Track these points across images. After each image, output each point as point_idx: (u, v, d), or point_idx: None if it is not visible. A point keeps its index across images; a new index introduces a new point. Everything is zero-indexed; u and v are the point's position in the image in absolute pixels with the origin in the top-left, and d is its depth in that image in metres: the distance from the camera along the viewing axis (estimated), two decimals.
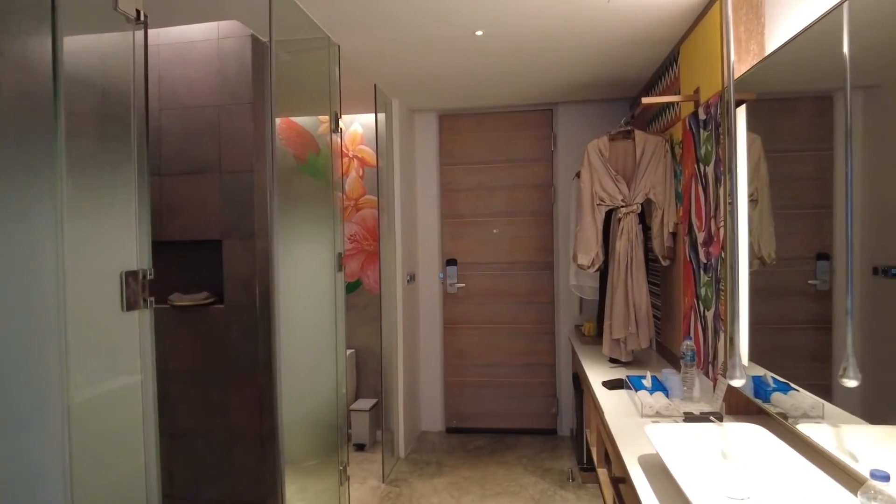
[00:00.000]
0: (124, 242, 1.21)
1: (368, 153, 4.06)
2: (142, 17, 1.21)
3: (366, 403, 3.92)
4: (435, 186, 4.11)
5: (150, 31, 2.52)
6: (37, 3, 1.02)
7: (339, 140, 2.66)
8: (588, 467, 3.23)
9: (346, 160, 4.11)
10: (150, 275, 1.26)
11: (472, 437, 4.09)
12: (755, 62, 1.73)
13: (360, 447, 3.88)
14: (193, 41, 2.43)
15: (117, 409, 1.27)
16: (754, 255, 1.81)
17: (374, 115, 3.67)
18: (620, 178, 2.63)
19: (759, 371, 1.78)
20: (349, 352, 4.07)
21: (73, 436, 1.09)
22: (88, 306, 1.17)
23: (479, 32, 2.46)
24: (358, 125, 4.09)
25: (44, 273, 1.04)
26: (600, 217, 2.70)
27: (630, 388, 2.26)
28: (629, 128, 2.66)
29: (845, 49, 1.26)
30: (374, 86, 3.12)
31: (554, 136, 3.98)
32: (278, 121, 3.84)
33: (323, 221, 2.61)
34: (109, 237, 1.21)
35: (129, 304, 1.20)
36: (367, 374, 4.16)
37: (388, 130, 3.57)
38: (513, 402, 4.11)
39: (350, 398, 4.06)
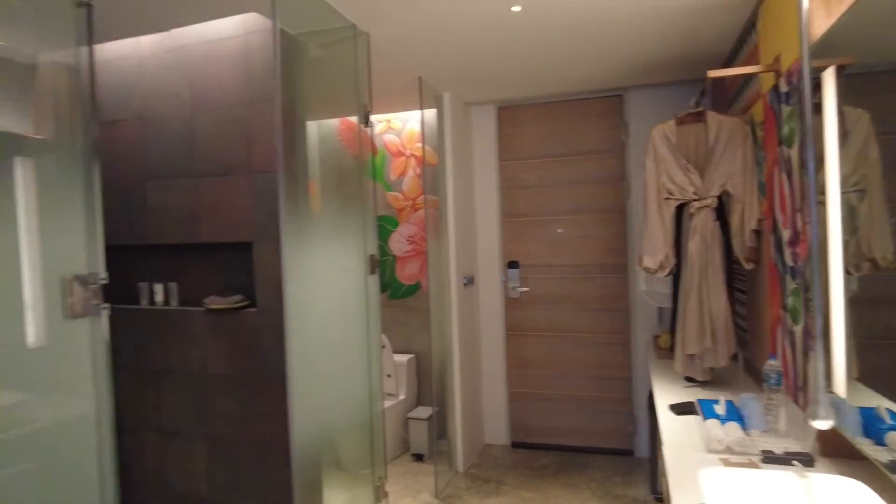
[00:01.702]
0: (71, 246, 1.10)
1: (427, 151, 3.89)
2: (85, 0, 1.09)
3: (425, 412, 3.74)
4: (494, 184, 3.86)
5: (178, 31, 2.50)
6: None
7: (370, 135, 2.50)
8: (662, 498, 2.85)
9: (402, 159, 3.96)
10: (104, 280, 1.14)
11: (538, 453, 3.79)
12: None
13: (419, 457, 3.71)
14: (221, 38, 2.37)
15: (60, 444, 1.17)
16: (863, 258, 1.43)
17: (434, 110, 3.49)
18: (692, 168, 2.26)
19: (872, 400, 1.38)
20: (408, 357, 3.92)
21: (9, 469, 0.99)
22: (38, 312, 1.07)
23: (515, 8, 2.20)
24: (415, 122, 3.94)
25: None
26: (669, 213, 2.34)
27: (700, 415, 1.91)
28: (700, 109, 2.28)
29: None
30: (419, 78, 2.94)
31: (625, 124, 3.59)
32: (338, 121, 3.79)
33: (360, 222, 2.47)
34: (58, 240, 1.10)
35: (76, 311, 1.08)
36: (430, 380, 3.98)
37: (439, 125, 3.37)
38: (584, 418, 3.76)
39: (410, 405, 3.91)
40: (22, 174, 1.40)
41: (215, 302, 2.43)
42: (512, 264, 3.84)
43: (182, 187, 2.49)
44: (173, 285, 2.58)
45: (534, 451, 3.83)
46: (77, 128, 1.17)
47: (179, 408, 2.58)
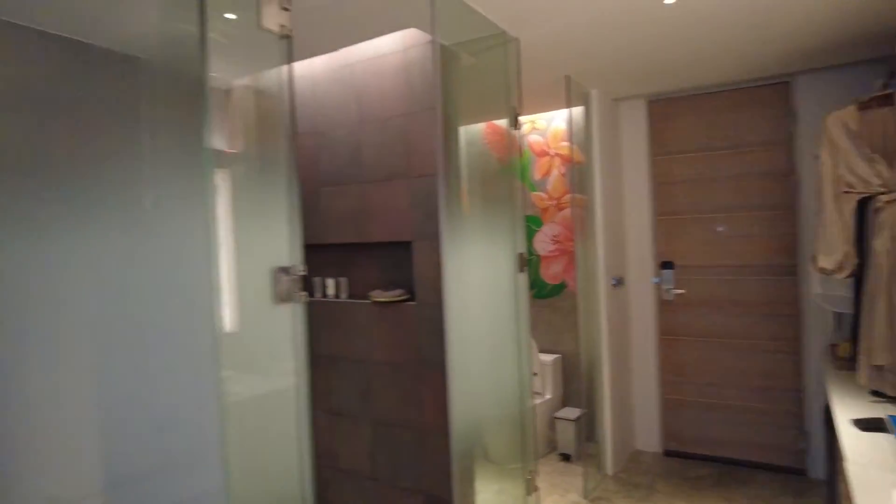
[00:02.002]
0: (276, 242, 1.31)
1: (573, 149, 3.88)
2: (287, 33, 1.30)
3: (572, 412, 3.73)
4: (645, 180, 3.74)
5: (345, 51, 2.78)
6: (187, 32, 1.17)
7: (518, 137, 2.57)
8: None
9: (547, 159, 3.99)
10: (303, 271, 1.34)
11: (693, 463, 3.60)
12: None
13: (566, 457, 3.72)
14: (383, 54, 2.59)
15: (271, 410, 1.39)
16: None
17: (582, 108, 3.49)
18: (878, 158, 2.02)
19: None
20: (553, 357, 3.94)
21: (228, 433, 1.22)
22: (243, 299, 1.30)
23: (668, 1, 2.13)
24: (560, 121, 3.94)
25: (204, 274, 1.19)
26: (849, 208, 2.12)
27: (892, 432, 1.72)
28: (889, 91, 2.03)
29: None
30: (566, 77, 2.96)
31: (793, 113, 3.28)
32: (483, 124, 3.93)
33: (509, 222, 2.55)
34: (263, 237, 1.32)
35: (281, 298, 1.29)
36: (577, 381, 3.97)
37: (587, 123, 3.35)
38: (746, 431, 3.50)
39: (556, 405, 3.92)
40: (221, 183, 1.67)
41: (379, 295, 2.67)
42: (666, 265, 3.68)
43: (350, 192, 2.77)
44: (343, 280, 2.87)
45: (688, 460, 3.65)
46: (279, 141, 1.39)
47: (346, 391, 2.86)
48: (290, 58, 1.34)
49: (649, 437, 3.81)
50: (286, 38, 1.34)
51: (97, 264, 1.77)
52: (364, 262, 2.85)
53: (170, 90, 1.55)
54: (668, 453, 3.74)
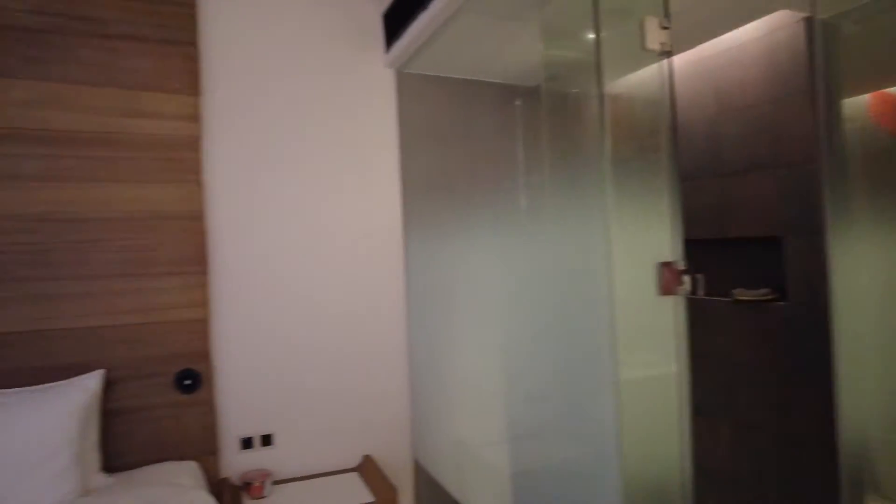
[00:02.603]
0: (659, 238, 1.46)
1: None
2: (667, 49, 1.43)
3: None
4: None
5: (703, 45, 2.73)
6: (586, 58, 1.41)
7: None
8: None
9: None
10: (682, 266, 1.47)
11: None
12: None
13: None
14: (744, 43, 2.47)
15: (657, 392, 1.54)
16: None
17: None
18: None
19: None
20: None
21: (622, 406, 1.43)
22: (632, 292, 1.49)
23: None
24: None
25: (597, 266, 1.41)
26: None
27: None
28: None
29: None
30: None
31: None
32: (868, 96, 3.35)
33: None
34: (647, 234, 1.49)
35: (664, 291, 1.44)
36: None
37: None
38: None
39: None
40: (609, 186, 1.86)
41: (744, 294, 2.57)
42: None
43: (707, 187, 2.74)
44: (699, 276, 2.85)
45: None
46: (659, 144, 1.53)
47: (705, 387, 2.83)
48: (671, 69, 1.47)
49: None
50: (666, 53, 1.47)
51: (517, 259, 2.22)
52: (720, 258, 2.77)
53: (563, 110, 1.85)
54: None
